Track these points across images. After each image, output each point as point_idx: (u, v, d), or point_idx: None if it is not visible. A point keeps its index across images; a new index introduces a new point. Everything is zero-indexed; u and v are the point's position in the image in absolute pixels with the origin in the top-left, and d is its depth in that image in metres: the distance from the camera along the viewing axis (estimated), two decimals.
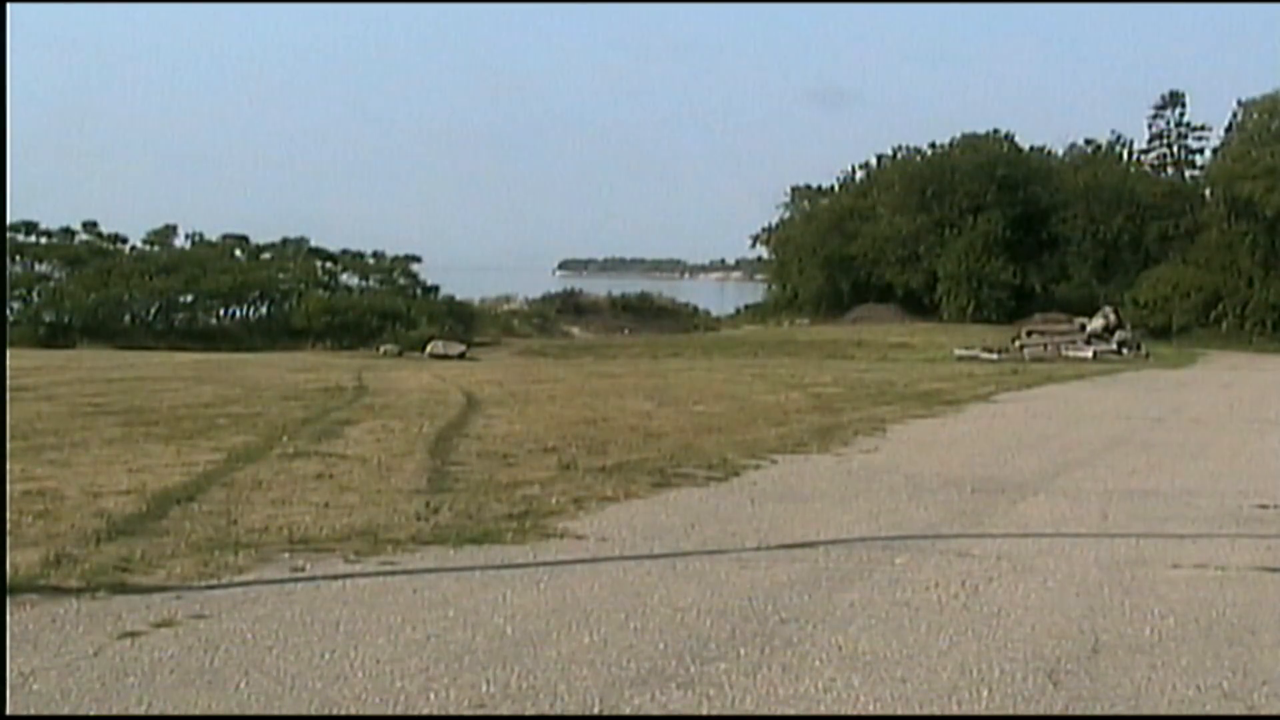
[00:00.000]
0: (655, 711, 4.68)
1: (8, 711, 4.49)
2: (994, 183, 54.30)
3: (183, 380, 20.19)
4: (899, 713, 4.72)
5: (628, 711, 4.67)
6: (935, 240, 54.89)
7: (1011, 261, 53.44)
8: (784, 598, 6.29)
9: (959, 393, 20.49)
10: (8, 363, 18.73)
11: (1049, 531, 8.37)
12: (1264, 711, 4.83)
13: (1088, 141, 59.41)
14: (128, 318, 42.98)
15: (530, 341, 45.24)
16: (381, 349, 37.67)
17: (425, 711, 4.64)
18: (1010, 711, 4.75)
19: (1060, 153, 59.28)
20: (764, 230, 65.22)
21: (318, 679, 4.91)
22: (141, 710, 4.57)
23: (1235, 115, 53.11)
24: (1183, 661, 5.35)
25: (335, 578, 6.54)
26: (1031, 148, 58.34)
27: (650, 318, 55.63)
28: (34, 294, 42.56)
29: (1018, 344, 37.55)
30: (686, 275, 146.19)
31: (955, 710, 4.75)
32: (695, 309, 62.03)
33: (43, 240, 46.69)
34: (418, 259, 52.85)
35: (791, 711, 4.72)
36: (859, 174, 62.80)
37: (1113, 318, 39.29)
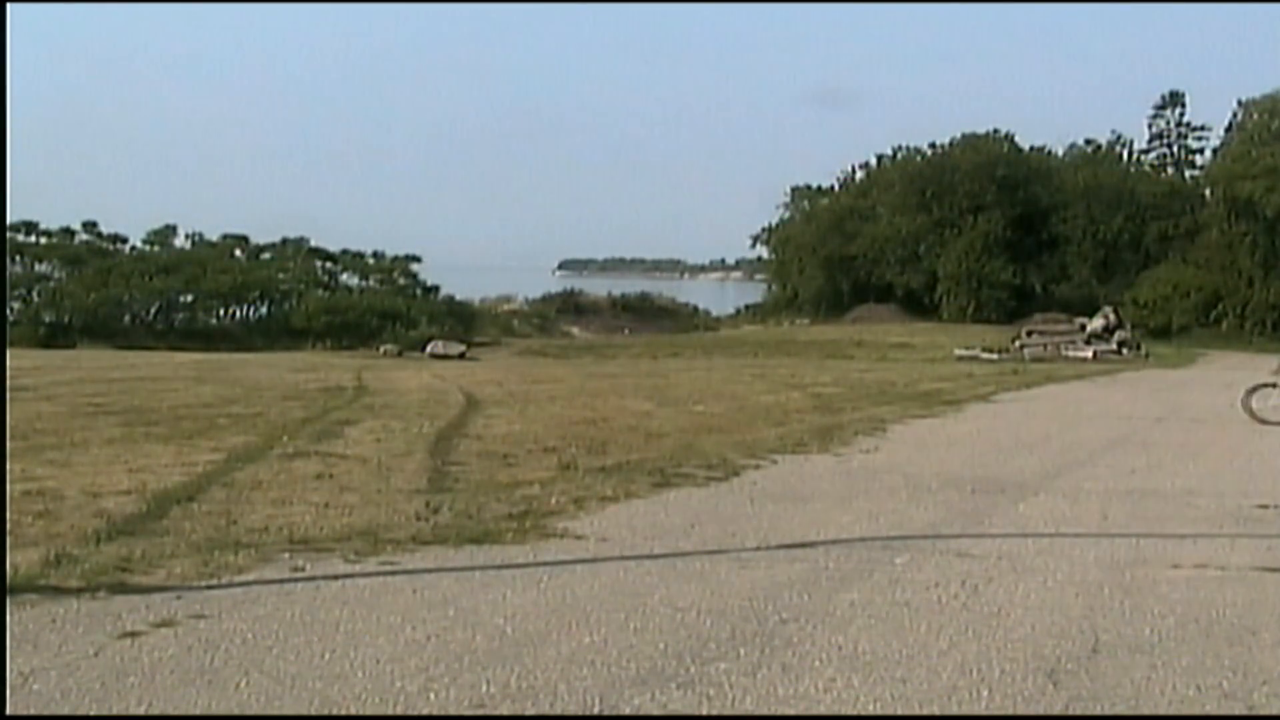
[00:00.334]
0: (655, 711, 4.67)
1: (8, 711, 4.49)
2: (994, 183, 54.33)
3: (183, 380, 20.20)
4: (899, 713, 4.72)
5: (628, 711, 4.66)
6: (935, 240, 54.93)
7: (1011, 261, 53.47)
8: (784, 598, 6.29)
9: (959, 393, 20.50)
10: (8, 363, 18.73)
11: (1049, 531, 8.36)
12: (1264, 711, 4.83)
13: (1088, 141, 59.51)
14: (128, 318, 43.02)
15: (530, 341, 45.26)
16: (381, 349, 37.70)
17: (425, 711, 4.63)
18: (1010, 711, 4.75)
19: (1060, 153, 59.39)
20: (764, 230, 65.33)
21: (318, 679, 4.91)
22: (141, 710, 4.57)
23: (1235, 115, 53.25)
24: (1183, 661, 5.35)
25: (335, 578, 6.53)
26: (1031, 148, 58.44)
27: (650, 318, 55.69)
28: (34, 294, 42.61)
29: (1018, 344, 37.56)
30: (686, 275, 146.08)
31: (955, 710, 4.75)
32: (695, 309, 62.11)
33: (43, 240, 46.72)
34: (418, 259, 52.92)
35: (791, 711, 4.71)
36: (859, 174, 62.93)
37: (1113, 318, 39.29)
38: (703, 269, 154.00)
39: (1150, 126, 59.61)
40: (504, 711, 4.64)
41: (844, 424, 14.87)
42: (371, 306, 44.49)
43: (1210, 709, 4.83)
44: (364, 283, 50.48)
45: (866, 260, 56.64)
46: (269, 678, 4.92)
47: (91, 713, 4.55)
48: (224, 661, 5.10)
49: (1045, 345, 37.20)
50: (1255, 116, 50.91)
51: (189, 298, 44.33)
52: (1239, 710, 4.83)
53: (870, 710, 4.73)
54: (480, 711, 4.64)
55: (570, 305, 55.92)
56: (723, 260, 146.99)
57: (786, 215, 64.50)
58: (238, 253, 50.57)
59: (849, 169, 63.77)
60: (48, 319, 40.92)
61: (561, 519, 8.33)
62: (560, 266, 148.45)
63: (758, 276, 78.50)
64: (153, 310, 43.75)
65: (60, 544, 6.97)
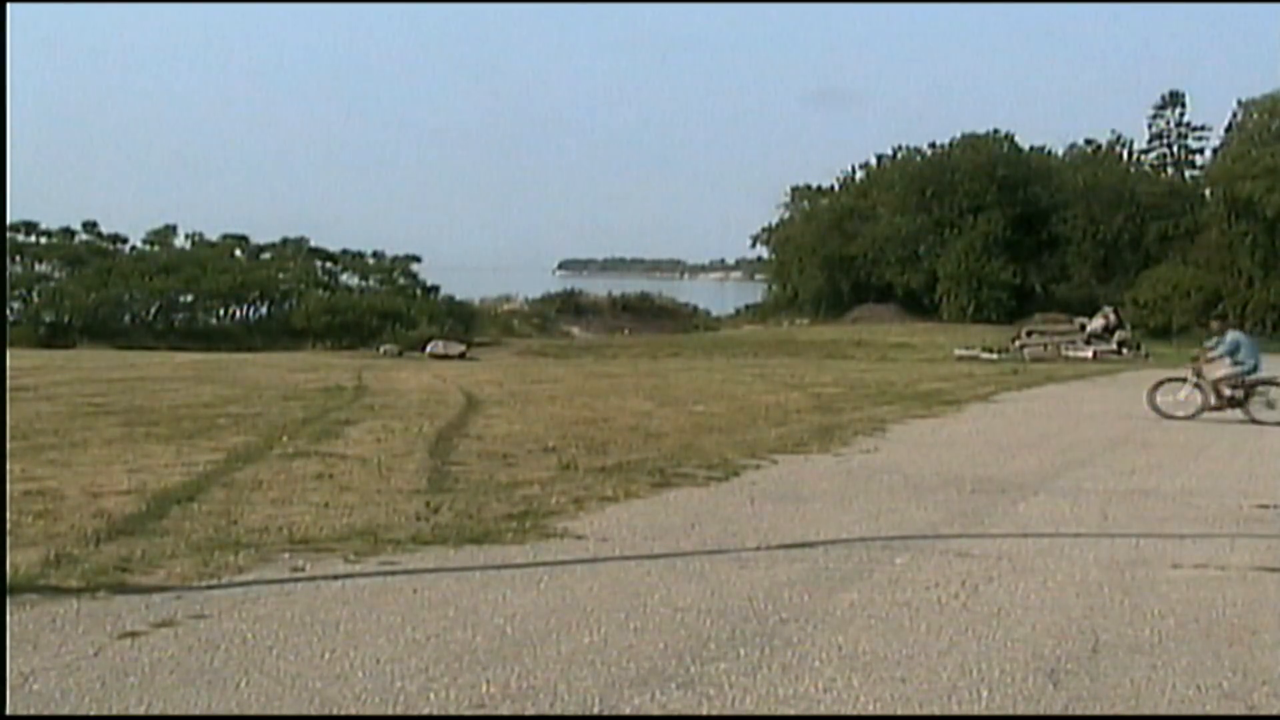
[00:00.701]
0: (655, 711, 4.67)
1: (8, 711, 4.49)
2: (994, 183, 54.37)
3: (183, 380, 20.19)
4: (899, 713, 4.72)
5: (628, 711, 4.66)
6: (935, 240, 54.95)
7: (1011, 261, 53.50)
8: (784, 598, 6.29)
9: (959, 393, 20.51)
10: (8, 363, 18.73)
11: (1049, 531, 8.36)
12: (1264, 711, 4.83)
13: (1088, 141, 59.53)
14: (128, 318, 43.03)
15: (530, 341, 45.25)
16: (381, 349, 37.72)
17: (425, 711, 4.63)
18: (1010, 711, 4.75)
19: (1060, 153, 59.43)
20: (764, 230, 65.37)
21: (318, 679, 4.91)
22: (141, 710, 4.57)
23: (1235, 115, 53.24)
24: (1183, 661, 5.35)
25: (335, 578, 6.53)
26: (1031, 148, 58.49)
27: (650, 318, 55.69)
28: (34, 294, 42.60)
29: (1018, 344, 37.58)
30: (686, 275, 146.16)
31: (955, 710, 4.74)
32: (695, 309, 62.10)
33: (43, 240, 46.75)
34: (418, 259, 52.98)
35: (791, 711, 4.71)
36: (859, 174, 62.96)
37: (1113, 318, 39.32)
38: (703, 269, 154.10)
39: (1150, 126, 59.72)
40: (504, 711, 4.64)
41: (844, 424, 14.87)
42: (371, 306, 44.50)
43: (1210, 709, 4.83)
44: (364, 283, 50.52)
45: (866, 260, 56.67)
46: (269, 678, 4.91)
47: (91, 713, 4.55)
48: (224, 661, 5.10)
49: (1045, 345, 37.23)
50: (1255, 116, 50.95)
51: (189, 298, 44.35)
52: (1239, 710, 4.83)
53: (870, 710, 4.73)
54: (480, 711, 4.64)
55: (570, 305, 55.92)
56: (723, 260, 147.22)
57: (786, 215, 64.58)
58: (238, 253, 50.59)
59: (849, 169, 63.93)
60: (48, 319, 40.93)
61: (561, 519, 8.33)
62: (560, 266, 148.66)
63: (758, 276, 78.53)
64: (153, 310, 43.76)
65: (60, 544, 6.97)
